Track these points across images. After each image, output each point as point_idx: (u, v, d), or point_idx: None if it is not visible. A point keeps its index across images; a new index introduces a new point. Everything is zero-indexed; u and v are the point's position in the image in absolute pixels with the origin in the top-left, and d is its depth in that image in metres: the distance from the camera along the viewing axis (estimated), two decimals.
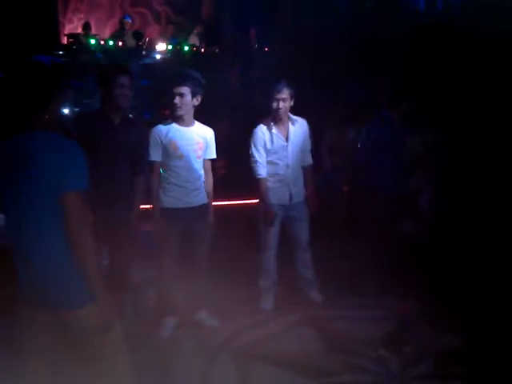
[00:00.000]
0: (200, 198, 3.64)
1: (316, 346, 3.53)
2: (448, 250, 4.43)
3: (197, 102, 3.51)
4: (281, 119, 3.95)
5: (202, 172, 3.64)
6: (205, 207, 3.69)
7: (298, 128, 4.03)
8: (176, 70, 3.61)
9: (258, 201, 4.10)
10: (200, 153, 3.59)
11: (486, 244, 4.28)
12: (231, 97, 6.58)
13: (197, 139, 3.57)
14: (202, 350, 3.44)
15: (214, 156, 3.70)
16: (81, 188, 2.02)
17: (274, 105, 3.87)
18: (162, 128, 3.54)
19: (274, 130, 3.95)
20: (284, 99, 3.86)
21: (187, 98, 3.46)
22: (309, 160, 4.14)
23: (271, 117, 3.96)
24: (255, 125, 4.00)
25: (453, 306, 3.86)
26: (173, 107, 3.48)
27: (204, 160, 3.65)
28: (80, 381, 2.17)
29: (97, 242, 3.08)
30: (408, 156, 4.45)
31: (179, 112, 3.48)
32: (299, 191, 4.08)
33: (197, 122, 3.62)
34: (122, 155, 3.41)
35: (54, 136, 2.06)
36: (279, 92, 3.85)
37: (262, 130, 3.96)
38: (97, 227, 3.07)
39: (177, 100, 3.45)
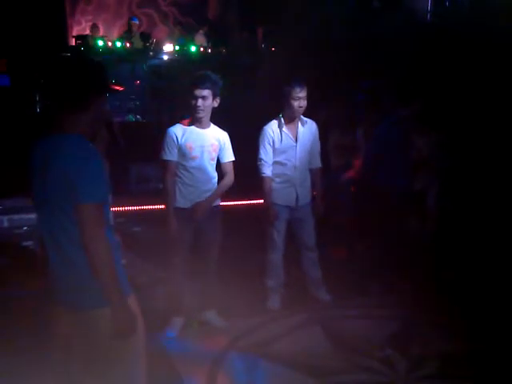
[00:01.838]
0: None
1: (322, 346, 3.53)
2: (454, 250, 4.42)
3: (216, 104, 3.53)
4: (295, 118, 3.95)
5: (214, 174, 3.65)
6: (216, 208, 3.70)
7: (307, 129, 4.03)
8: (197, 72, 3.58)
9: (263, 201, 4.10)
10: (214, 155, 3.60)
11: (492, 244, 4.27)
12: (238, 97, 6.59)
13: (211, 141, 3.58)
14: (210, 350, 3.46)
15: (233, 158, 3.69)
16: (95, 202, 1.97)
17: (295, 104, 3.84)
18: (178, 128, 3.55)
19: (285, 129, 3.95)
20: (304, 98, 3.86)
21: (209, 101, 3.46)
22: (317, 162, 4.12)
23: (285, 116, 3.94)
24: (261, 125, 4.00)
25: (459, 305, 3.86)
26: (194, 109, 3.47)
27: (223, 163, 3.65)
28: None
29: None
30: (414, 156, 4.44)
31: (201, 114, 3.48)
32: (306, 193, 4.08)
33: (212, 125, 3.63)
34: None
35: (81, 143, 2.01)
36: (301, 90, 3.83)
37: (271, 128, 3.94)
38: None
39: (200, 103, 3.44)
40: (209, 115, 3.56)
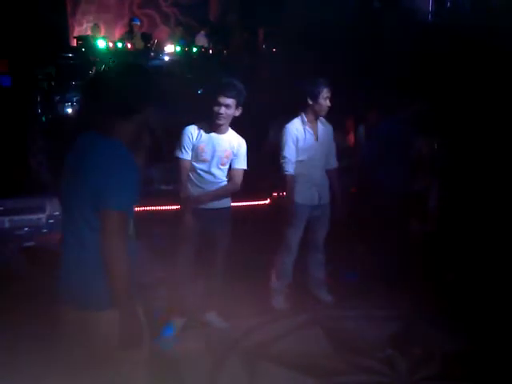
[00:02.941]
0: (215, 202, 3.61)
1: (323, 347, 3.53)
2: (455, 250, 4.41)
3: (238, 113, 3.50)
4: (317, 118, 3.96)
5: (223, 178, 3.61)
6: (224, 210, 3.67)
7: (326, 129, 4.06)
8: (223, 78, 3.57)
9: (285, 200, 4.05)
10: (225, 160, 3.57)
11: (493, 244, 4.26)
12: None
13: (225, 147, 3.55)
14: (211, 351, 3.46)
15: (244, 167, 3.63)
16: (120, 209, 1.94)
17: (325, 103, 3.89)
18: (195, 128, 3.54)
19: (308, 128, 3.96)
20: (330, 97, 3.90)
21: (231, 110, 3.45)
22: (334, 162, 4.13)
23: (308, 114, 3.95)
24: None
25: (460, 306, 3.85)
26: (216, 116, 3.45)
27: (232, 169, 3.61)
28: None
29: None
30: (415, 156, 4.44)
31: (221, 121, 3.47)
32: (326, 192, 4.08)
33: (230, 130, 3.61)
34: None
35: (118, 149, 1.99)
36: (328, 91, 3.88)
37: (295, 127, 3.94)
38: None
39: (222, 110, 3.43)
40: (228, 122, 3.54)
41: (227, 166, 3.61)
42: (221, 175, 3.60)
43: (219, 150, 3.54)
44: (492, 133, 4.57)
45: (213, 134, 3.53)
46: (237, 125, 3.63)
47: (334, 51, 6.35)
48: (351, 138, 5.31)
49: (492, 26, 5.05)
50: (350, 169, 5.00)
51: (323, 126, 4.04)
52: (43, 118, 7.04)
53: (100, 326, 2.02)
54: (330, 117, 4.09)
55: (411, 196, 4.50)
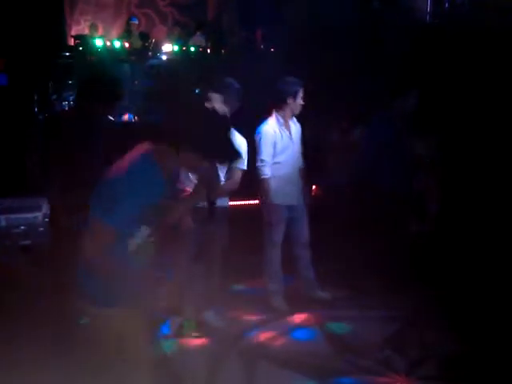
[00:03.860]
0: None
1: (322, 347, 3.53)
2: (454, 251, 4.41)
3: (227, 108, 3.47)
4: (290, 118, 3.94)
5: (221, 178, 3.60)
6: (221, 210, 3.64)
7: (296, 128, 4.07)
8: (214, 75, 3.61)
9: (259, 202, 4.06)
10: None
11: (492, 245, 4.26)
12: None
13: None
14: (209, 350, 3.44)
15: (244, 167, 3.60)
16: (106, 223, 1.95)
17: (301, 102, 3.90)
18: None
19: (284, 128, 3.94)
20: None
21: (218, 104, 3.41)
22: (301, 161, 4.12)
23: (284, 115, 3.93)
24: (256, 124, 3.98)
25: (459, 306, 3.85)
26: None
27: (232, 168, 3.58)
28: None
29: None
30: (413, 157, 4.43)
31: None
32: (301, 191, 4.08)
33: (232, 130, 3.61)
34: None
35: (142, 161, 1.99)
36: (302, 89, 3.88)
37: (273, 128, 3.92)
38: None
39: (209, 105, 3.38)
40: None
41: (226, 165, 3.58)
42: (218, 174, 3.58)
43: None
44: (491, 132, 4.57)
45: None
46: (235, 124, 3.61)
47: (333, 51, 6.34)
48: (349, 137, 5.29)
49: (490, 26, 5.05)
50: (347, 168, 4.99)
51: (295, 126, 4.04)
52: (40, 117, 7.00)
53: (111, 323, 2.05)
54: (328, 116, 4.09)
55: (410, 197, 4.49)
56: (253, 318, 3.88)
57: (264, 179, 3.90)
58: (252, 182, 3.99)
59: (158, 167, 2.00)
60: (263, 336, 3.64)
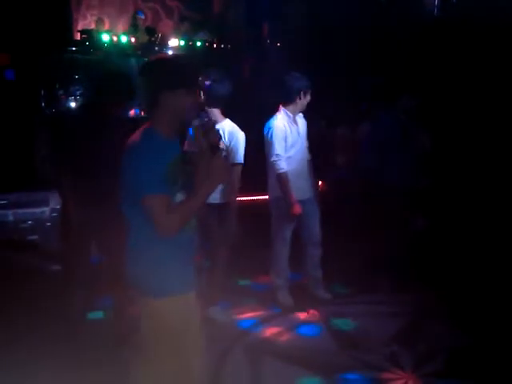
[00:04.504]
0: (216, 196, 3.57)
1: (328, 343, 3.53)
2: (460, 247, 4.40)
3: (200, 99, 3.48)
4: (297, 113, 3.96)
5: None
6: (223, 206, 3.63)
7: (303, 122, 4.08)
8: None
9: (268, 197, 4.05)
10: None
11: (498, 241, 4.24)
12: (243, 92, 6.56)
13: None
14: (214, 346, 3.45)
15: (239, 161, 3.57)
16: (154, 193, 1.97)
17: (309, 98, 3.92)
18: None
19: (293, 123, 3.95)
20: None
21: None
22: (309, 156, 4.12)
23: (292, 110, 3.94)
24: (264, 119, 3.97)
25: (466, 303, 3.84)
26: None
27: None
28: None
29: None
30: (418, 153, 4.40)
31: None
32: (312, 185, 4.07)
33: (228, 122, 3.60)
34: None
35: (150, 137, 2.05)
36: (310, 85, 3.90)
37: (283, 123, 3.91)
38: (87, 223, 3.10)
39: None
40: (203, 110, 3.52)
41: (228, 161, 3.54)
42: None
43: None
44: (499, 128, 4.54)
45: None
46: (241, 119, 3.61)
47: (339, 46, 6.32)
48: (356, 133, 5.27)
49: (498, 21, 5.00)
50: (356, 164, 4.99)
51: (301, 120, 4.06)
52: (47, 112, 7.03)
53: (153, 314, 2.09)
54: (333, 111, 4.08)
55: (415, 193, 4.47)
56: (259, 313, 3.88)
57: (281, 173, 3.87)
58: (253, 177, 3.99)
59: (157, 132, 2.08)
60: (269, 331, 3.65)
